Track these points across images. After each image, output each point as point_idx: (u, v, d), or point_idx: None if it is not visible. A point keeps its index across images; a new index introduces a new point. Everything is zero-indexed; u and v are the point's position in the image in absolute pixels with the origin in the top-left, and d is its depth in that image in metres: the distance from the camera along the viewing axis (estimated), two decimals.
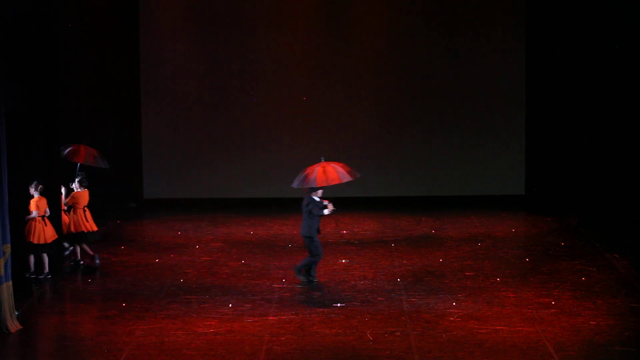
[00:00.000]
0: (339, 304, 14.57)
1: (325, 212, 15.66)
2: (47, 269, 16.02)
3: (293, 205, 21.99)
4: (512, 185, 22.43)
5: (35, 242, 15.87)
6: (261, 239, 19.04)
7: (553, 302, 14.47)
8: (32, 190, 15.91)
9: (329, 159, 22.32)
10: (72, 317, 14.08)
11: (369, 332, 13.27)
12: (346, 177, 15.56)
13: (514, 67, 22.15)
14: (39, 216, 15.91)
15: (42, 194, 16.07)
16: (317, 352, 12.53)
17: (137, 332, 13.33)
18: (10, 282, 13.61)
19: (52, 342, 13.02)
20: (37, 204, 15.92)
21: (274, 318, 13.91)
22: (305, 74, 22.38)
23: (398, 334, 13.18)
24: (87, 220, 16.93)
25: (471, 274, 16.24)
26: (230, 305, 14.54)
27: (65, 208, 17.06)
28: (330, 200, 15.76)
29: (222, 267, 16.92)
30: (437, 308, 14.28)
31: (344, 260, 17.28)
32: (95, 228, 17.03)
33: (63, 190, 16.92)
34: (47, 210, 16.05)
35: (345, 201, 22.16)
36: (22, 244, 15.47)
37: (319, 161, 15.82)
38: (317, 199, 15.68)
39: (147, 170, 22.46)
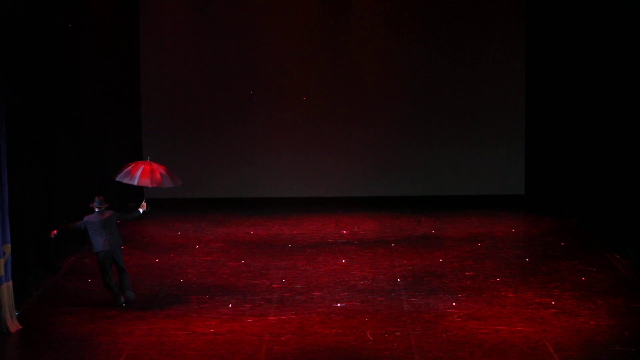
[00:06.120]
0: (339, 304, 14.58)
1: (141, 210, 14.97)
2: None
3: (293, 205, 22.12)
4: (512, 185, 22.44)
5: None
6: (261, 239, 19.04)
7: (553, 302, 14.47)
8: None
9: (330, 159, 22.61)
10: (72, 317, 14.07)
11: (369, 332, 13.27)
12: (169, 183, 14.74)
13: (513, 67, 22.15)
14: None
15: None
16: (317, 352, 12.53)
17: (137, 332, 13.33)
18: (11, 282, 13.61)
19: (52, 342, 13.01)
20: None
21: (274, 318, 13.91)
22: (305, 75, 22.38)
23: (398, 334, 13.18)
24: None
25: (471, 274, 16.24)
26: (230, 305, 14.55)
27: None
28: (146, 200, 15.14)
29: (222, 267, 16.92)
30: (437, 308, 14.28)
31: (344, 260, 17.28)
32: None
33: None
34: None
35: (345, 201, 22.25)
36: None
37: (146, 159, 15.22)
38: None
39: None
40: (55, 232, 14.83)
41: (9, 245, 13.59)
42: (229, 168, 22.54)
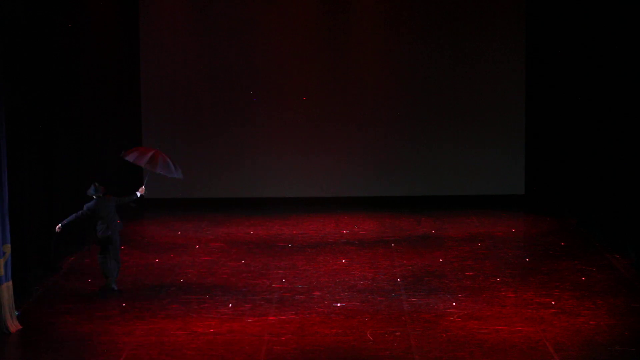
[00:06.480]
0: (339, 304, 14.58)
1: (138, 193, 15.56)
2: None
3: (293, 205, 22.12)
4: (512, 185, 22.43)
5: None
6: (261, 239, 19.04)
7: (553, 302, 14.47)
8: None
9: (330, 159, 22.60)
10: (72, 317, 14.07)
11: (369, 332, 13.27)
12: (175, 173, 15.56)
13: (513, 67, 22.14)
14: None
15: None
16: (317, 352, 12.53)
17: (137, 332, 13.33)
18: (10, 282, 13.61)
19: (52, 342, 13.01)
20: None
21: (274, 318, 13.92)
22: (305, 75, 22.38)
23: (398, 334, 13.18)
24: None
25: (471, 274, 16.24)
26: (230, 305, 14.55)
27: None
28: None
29: (222, 267, 16.92)
30: (437, 308, 14.28)
31: (344, 260, 17.28)
32: None
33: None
34: None
35: (345, 201, 22.25)
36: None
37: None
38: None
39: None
40: (59, 226, 15.12)
41: (9, 245, 13.59)
42: (229, 168, 22.54)
